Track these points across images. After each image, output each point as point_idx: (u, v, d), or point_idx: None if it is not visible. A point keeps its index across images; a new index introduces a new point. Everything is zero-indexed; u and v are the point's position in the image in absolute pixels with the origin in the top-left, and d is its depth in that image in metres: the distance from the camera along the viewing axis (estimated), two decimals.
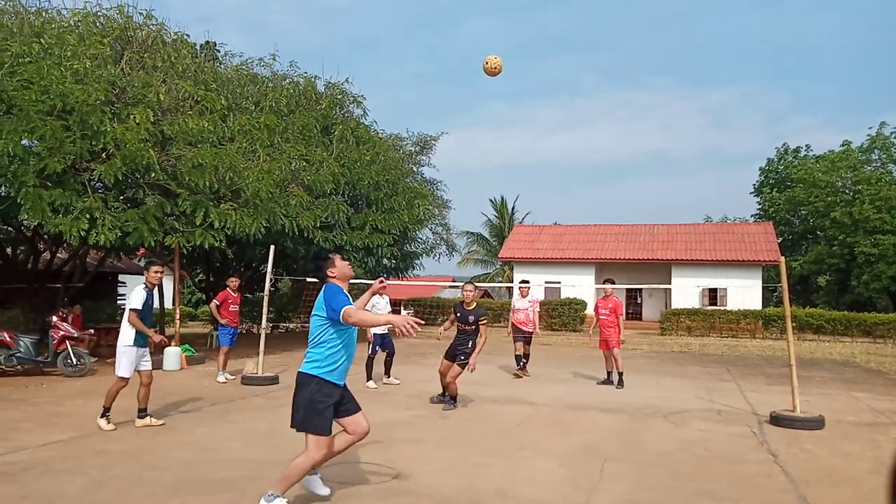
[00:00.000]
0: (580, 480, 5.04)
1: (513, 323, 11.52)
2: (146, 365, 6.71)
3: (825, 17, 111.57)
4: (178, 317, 12.54)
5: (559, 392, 9.63)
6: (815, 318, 25.12)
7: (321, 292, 4.19)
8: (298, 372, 4.17)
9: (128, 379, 6.58)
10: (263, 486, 4.73)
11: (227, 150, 11.67)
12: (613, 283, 10.69)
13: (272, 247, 10.77)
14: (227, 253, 16.51)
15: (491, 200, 45.47)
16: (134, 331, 6.57)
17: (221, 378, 10.08)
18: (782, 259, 8.35)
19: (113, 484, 4.71)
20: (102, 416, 6.51)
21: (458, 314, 8.16)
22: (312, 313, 4.21)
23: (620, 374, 10.33)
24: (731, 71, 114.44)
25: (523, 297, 11.54)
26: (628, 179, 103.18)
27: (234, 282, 10.80)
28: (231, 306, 10.51)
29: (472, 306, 8.18)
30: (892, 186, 33.20)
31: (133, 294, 6.73)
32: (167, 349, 11.39)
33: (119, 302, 23.13)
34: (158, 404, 7.93)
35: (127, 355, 6.55)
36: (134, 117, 10.44)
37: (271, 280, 10.61)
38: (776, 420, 7.37)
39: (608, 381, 10.52)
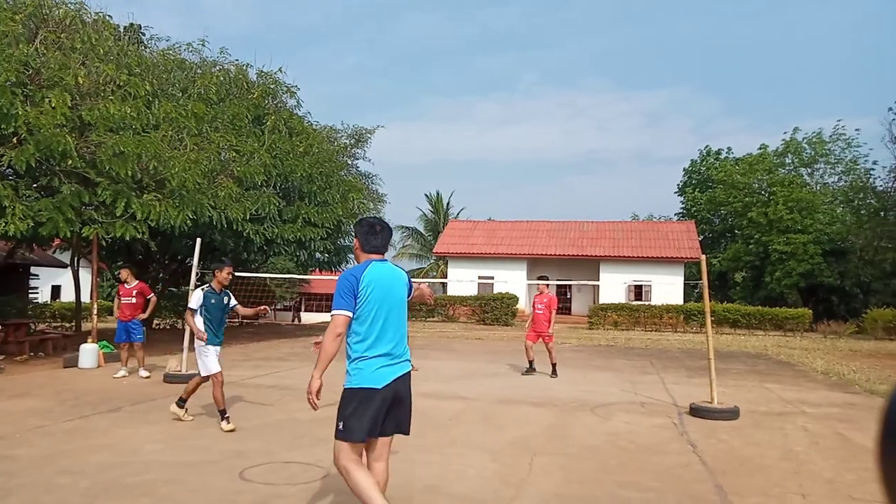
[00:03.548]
0: (510, 475, 5.11)
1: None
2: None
3: (756, 25, 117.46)
4: (95, 311, 11.93)
5: (492, 387, 9.74)
6: (732, 313, 26.55)
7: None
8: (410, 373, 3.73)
9: (217, 372, 6.62)
10: (184, 489, 4.57)
11: (152, 137, 11.17)
12: (549, 279, 11.42)
13: (199, 240, 10.40)
14: (150, 245, 15.83)
15: (426, 195, 45.52)
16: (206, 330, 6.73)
17: (143, 374, 9.77)
18: (703, 257, 8.74)
19: (19, 492, 4.42)
20: (223, 419, 6.48)
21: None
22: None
23: (554, 364, 10.97)
24: (665, 75, 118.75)
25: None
26: (562, 177, 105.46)
27: (122, 272, 10.47)
28: (123, 299, 10.12)
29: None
30: (804, 189, 35.33)
31: (193, 295, 6.93)
32: (83, 346, 10.83)
33: (31, 296, 21.78)
34: (74, 404, 7.55)
35: (207, 353, 6.63)
36: (49, 101, 9.85)
37: (197, 274, 10.25)
38: (695, 411, 7.71)
39: (531, 371, 11.05)
